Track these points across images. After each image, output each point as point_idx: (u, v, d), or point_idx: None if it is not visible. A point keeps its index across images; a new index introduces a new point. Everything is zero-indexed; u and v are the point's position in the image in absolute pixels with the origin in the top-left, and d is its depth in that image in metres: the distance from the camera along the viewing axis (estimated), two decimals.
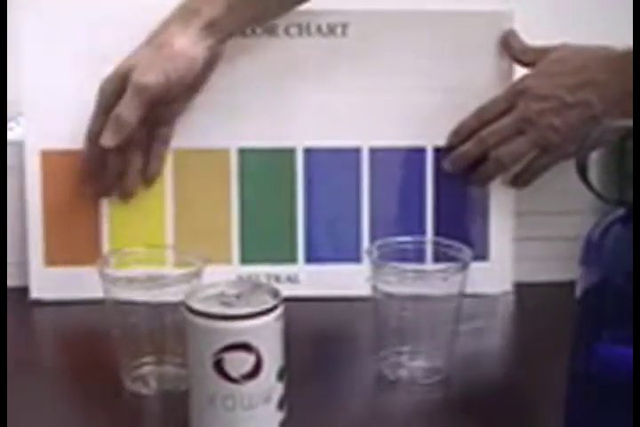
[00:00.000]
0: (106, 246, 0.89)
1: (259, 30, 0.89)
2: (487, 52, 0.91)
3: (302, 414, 0.67)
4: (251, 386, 0.63)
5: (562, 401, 0.62)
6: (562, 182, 0.88)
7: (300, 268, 0.91)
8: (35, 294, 0.89)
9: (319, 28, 0.89)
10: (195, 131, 0.89)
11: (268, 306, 0.63)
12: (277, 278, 0.90)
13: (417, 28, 0.90)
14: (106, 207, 0.89)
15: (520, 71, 0.91)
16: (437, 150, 0.91)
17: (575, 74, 0.85)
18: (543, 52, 0.89)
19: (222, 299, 0.64)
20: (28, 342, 0.83)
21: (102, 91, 0.84)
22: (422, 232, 0.90)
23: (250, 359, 0.62)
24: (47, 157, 0.89)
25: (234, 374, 0.62)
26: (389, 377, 0.75)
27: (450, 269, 0.73)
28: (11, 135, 0.92)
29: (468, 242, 0.78)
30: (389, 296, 0.73)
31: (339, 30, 0.90)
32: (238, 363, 0.62)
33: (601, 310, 0.59)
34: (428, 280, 0.73)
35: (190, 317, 0.63)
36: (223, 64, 0.87)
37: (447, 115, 0.90)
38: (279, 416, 0.65)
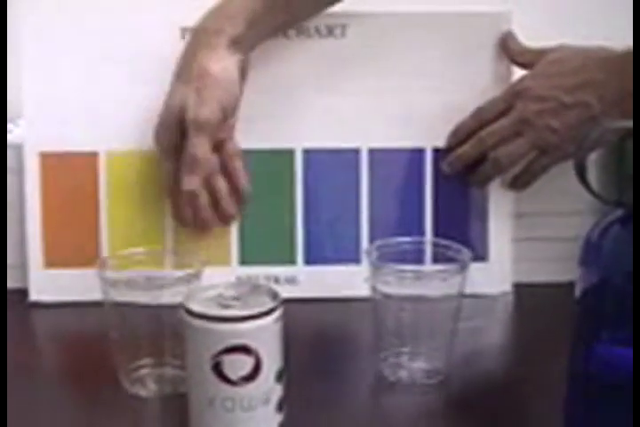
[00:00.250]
0: (105, 249, 0.89)
1: None
2: (485, 53, 0.91)
3: (301, 416, 0.67)
4: (250, 388, 0.63)
5: (561, 401, 0.62)
6: (561, 183, 0.88)
7: (300, 269, 0.91)
8: (34, 296, 0.89)
9: (318, 30, 0.89)
10: None
11: (267, 308, 0.63)
12: (276, 280, 0.90)
13: (415, 29, 0.90)
14: (104, 210, 0.89)
15: (518, 73, 0.91)
16: (436, 151, 0.91)
17: (573, 75, 0.85)
18: (541, 53, 0.89)
19: (221, 301, 0.64)
20: (27, 344, 0.83)
21: (160, 136, 0.85)
22: (421, 233, 0.90)
23: (249, 361, 0.62)
24: (46, 159, 0.89)
25: (233, 376, 0.62)
26: (389, 378, 0.75)
27: (449, 270, 0.73)
28: (10, 137, 0.92)
29: (467, 243, 0.78)
30: (388, 297, 0.73)
31: (337, 32, 0.90)
32: (237, 365, 0.62)
33: (600, 311, 0.59)
34: (428, 281, 0.73)
35: (189, 319, 0.63)
36: None
37: (446, 116, 0.90)
38: (278, 418, 0.65)
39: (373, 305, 0.75)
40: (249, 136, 0.89)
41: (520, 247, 0.92)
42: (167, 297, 0.69)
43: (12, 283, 0.90)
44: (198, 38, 0.84)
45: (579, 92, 0.84)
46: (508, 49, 0.90)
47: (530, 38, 0.90)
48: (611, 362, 0.59)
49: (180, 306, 0.64)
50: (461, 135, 0.90)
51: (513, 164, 0.89)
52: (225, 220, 0.89)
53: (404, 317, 0.73)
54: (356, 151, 0.91)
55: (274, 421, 0.65)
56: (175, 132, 0.83)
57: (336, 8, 0.88)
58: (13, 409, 0.66)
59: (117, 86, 0.88)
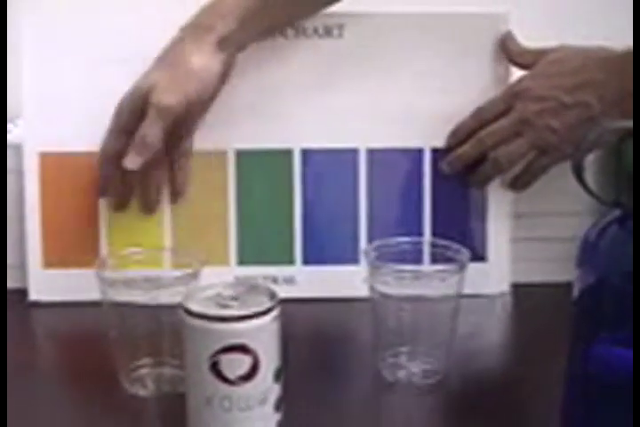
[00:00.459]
0: (104, 248, 0.89)
1: None
2: (484, 53, 0.91)
3: (299, 416, 0.67)
4: (247, 387, 0.63)
5: (559, 402, 0.62)
6: (559, 184, 0.88)
7: (298, 269, 0.91)
8: (33, 296, 0.90)
9: (315, 30, 0.89)
10: None
11: (265, 307, 0.63)
12: (275, 280, 0.90)
13: (414, 29, 0.90)
14: (104, 209, 0.89)
15: (517, 73, 0.91)
16: (435, 151, 0.91)
17: (573, 75, 0.85)
18: (540, 53, 0.88)
19: (219, 300, 0.64)
20: (26, 344, 0.83)
21: (120, 111, 0.84)
22: (420, 233, 0.90)
23: (247, 361, 0.62)
24: (46, 159, 0.89)
25: (231, 375, 0.62)
26: (388, 378, 0.75)
27: (447, 270, 0.73)
28: (9, 137, 0.92)
29: (465, 243, 0.77)
30: (387, 297, 0.73)
31: (335, 32, 0.90)
32: (235, 364, 0.62)
33: (598, 311, 0.59)
34: (426, 281, 0.73)
35: (187, 318, 0.63)
36: None
37: (444, 116, 0.90)
38: (276, 417, 0.65)
39: (372, 305, 0.75)
40: (247, 136, 0.89)
41: (518, 247, 0.92)
42: (166, 297, 0.69)
43: (11, 283, 0.90)
44: (188, 33, 0.84)
45: (579, 93, 0.84)
46: (508, 50, 0.90)
47: (529, 38, 0.90)
48: (609, 362, 0.59)
49: (179, 306, 0.64)
50: (461, 135, 0.90)
51: (513, 164, 0.89)
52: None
53: (403, 317, 0.73)
54: (355, 151, 0.91)
55: (271, 420, 0.65)
56: (135, 112, 0.83)
57: (334, 8, 0.88)
58: (13, 409, 0.66)
59: (117, 86, 0.88)
